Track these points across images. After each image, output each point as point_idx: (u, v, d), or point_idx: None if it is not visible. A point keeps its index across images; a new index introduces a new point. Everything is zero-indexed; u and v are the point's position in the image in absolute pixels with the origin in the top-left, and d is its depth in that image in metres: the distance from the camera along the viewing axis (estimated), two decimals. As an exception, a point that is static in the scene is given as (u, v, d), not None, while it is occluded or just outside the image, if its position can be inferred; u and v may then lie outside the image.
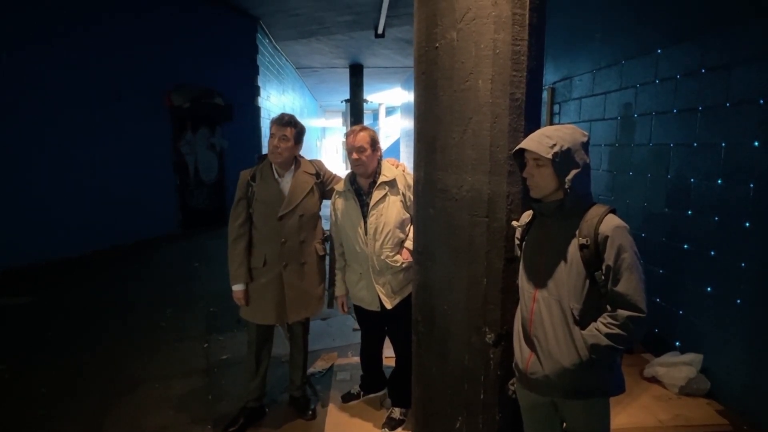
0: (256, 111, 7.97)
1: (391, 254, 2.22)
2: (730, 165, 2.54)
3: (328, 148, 29.29)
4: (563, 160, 1.36)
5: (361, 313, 2.45)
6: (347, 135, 2.29)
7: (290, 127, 2.28)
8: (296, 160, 2.39)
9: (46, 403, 2.64)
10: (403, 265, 2.23)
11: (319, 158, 2.71)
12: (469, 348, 1.67)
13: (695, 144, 2.77)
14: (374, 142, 2.25)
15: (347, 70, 12.10)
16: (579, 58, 4.11)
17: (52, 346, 3.32)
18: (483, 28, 1.52)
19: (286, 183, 2.34)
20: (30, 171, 4.83)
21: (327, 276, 2.54)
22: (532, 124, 1.63)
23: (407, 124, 15.22)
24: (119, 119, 5.73)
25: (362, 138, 2.22)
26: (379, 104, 21.02)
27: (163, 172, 6.52)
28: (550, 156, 1.35)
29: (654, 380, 2.75)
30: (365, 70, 12.18)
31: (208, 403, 2.67)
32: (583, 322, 1.37)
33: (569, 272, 1.38)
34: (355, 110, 12.51)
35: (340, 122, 23.63)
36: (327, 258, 2.52)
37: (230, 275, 2.34)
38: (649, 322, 1.32)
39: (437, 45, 1.61)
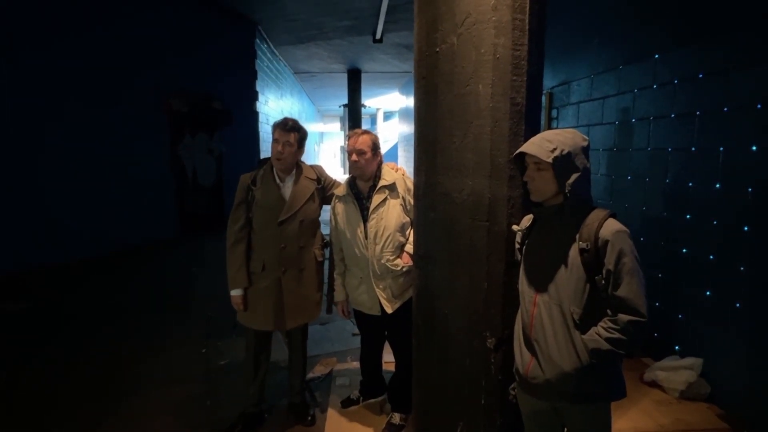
0: (254, 116, 7.97)
1: (391, 258, 2.22)
2: (729, 169, 2.55)
3: (326, 152, 29.33)
4: (563, 164, 1.36)
5: (361, 317, 2.44)
6: (349, 137, 2.29)
7: (294, 132, 2.28)
8: (298, 165, 2.39)
9: (44, 409, 2.61)
10: (404, 269, 2.22)
11: (317, 162, 2.69)
12: (469, 352, 1.66)
13: (693, 148, 2.78)
14: (375, 147, 2.26)
15: (345, 74, 12.12)
16: (577, 63, 4.13)
17: (50, 351, 3.29)
18: (483, 32, 1.53)
19: (287, 188, 2.33)
20: (28, 175, 4.81)
21: (326, 281, 2.54)
22: (533, 128, 1.64)
23: (405, 128, 15.23)
24: (118, 123, 5.72)
25: (363, 141, 2.23)
26: (377, 109, 21.06)
27: (161, 177, 6.50)
28: (550, 160, 1.35)
29: (654, 384, 2.75)
30: (363, 75, 12.20)
31: (206, 409, 2.65)
32: (583, 326, 1.36)
33: (569, 276, 1.38)
34: (353, 115, 12.52)
35: (338, 127, 23.67)
36: (326, 263, 2.51)
37: (228, 280, 2.32)
38: (649, 327, 1.32)
39: (438, 49, 1.62)
